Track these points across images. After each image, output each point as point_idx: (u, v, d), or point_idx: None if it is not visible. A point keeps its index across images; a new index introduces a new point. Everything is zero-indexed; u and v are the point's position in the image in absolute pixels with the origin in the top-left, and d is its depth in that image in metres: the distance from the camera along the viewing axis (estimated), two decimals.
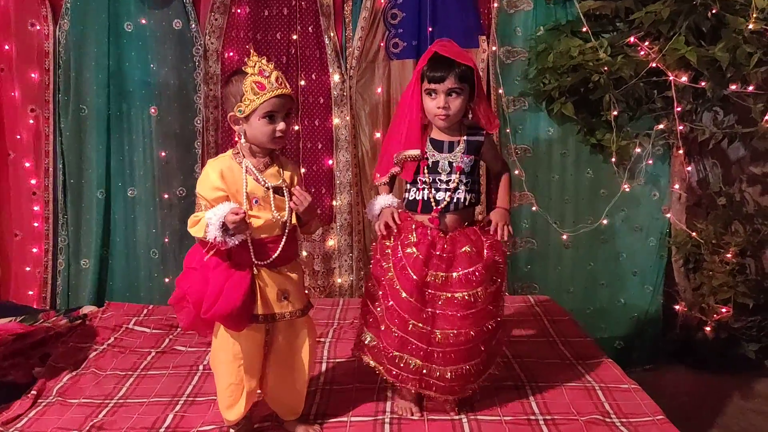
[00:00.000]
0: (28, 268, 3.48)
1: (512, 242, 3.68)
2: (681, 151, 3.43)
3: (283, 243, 1.94)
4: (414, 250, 2.08)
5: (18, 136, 3.40)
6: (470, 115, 2.15)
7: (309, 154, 3.56)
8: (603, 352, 2.66)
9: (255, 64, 1.88)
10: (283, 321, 2.00)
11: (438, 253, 2.08)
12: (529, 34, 3.54)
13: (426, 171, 2.13)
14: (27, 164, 3.40)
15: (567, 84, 3.28)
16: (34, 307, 3.40)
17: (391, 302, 2.10)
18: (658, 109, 3.41)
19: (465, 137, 2.14)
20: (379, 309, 2.16)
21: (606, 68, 3.18)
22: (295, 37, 3.46)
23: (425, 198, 2.13)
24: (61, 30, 3.34)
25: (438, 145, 2.14)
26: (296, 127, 3.51)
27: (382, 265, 2.15)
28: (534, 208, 3.62)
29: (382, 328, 2.14)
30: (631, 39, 3.20)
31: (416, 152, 2.12)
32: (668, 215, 3.60)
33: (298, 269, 2.05)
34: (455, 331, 2.04)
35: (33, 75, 3.36)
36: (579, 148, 3.63)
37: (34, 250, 3.45)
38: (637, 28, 3.25)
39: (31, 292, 3.48)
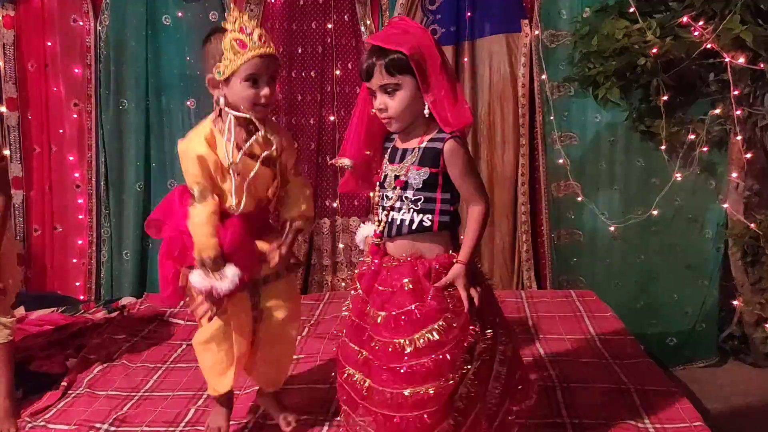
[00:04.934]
0: (75, 260, 3.56)
1: (557, 234, 3.55)
2: (739, 138, 3.21)
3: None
4: (357, 283, 1.76)
5: (61, 131, 3.47)
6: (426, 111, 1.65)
7: None
8: (643, 351, 2.53)
9: (235, 20, 1.69)
10: (271, 287, 1.92)
11: (378, 286, 1.69)
12: (574, 17, 3.39)
13: (378, 187, 1.75)
14: (71, 158, 3.48)
15: (612, 69, 3.12)
16: (80, 297, 3.50)
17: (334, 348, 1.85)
18: (713, 93, 3.21)
19: (424, 144, 1.66)
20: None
21: (654, 51, 3.00)
22: (330, 26, 3.42)
23: (374, 220, 1.76)
24: (102, 25, 3.39)
25: (392, 155, 1.72)
26: (332, 118, 3.47)
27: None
28: (579, 198, 3.47)
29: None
30: (684, 19, 3.01)
31: (346, 161, 1.76)
32: (725, 205, 3.39)
33: (275, 233, 1.94)
34: (379, 389, 1.62)
35: (76, 70, 3.43)
36: (628, 135, 3.45)
37: (80, 241, 3.53)
38: (690, 7, 3.05)
39: (78, 283, 3.56)
